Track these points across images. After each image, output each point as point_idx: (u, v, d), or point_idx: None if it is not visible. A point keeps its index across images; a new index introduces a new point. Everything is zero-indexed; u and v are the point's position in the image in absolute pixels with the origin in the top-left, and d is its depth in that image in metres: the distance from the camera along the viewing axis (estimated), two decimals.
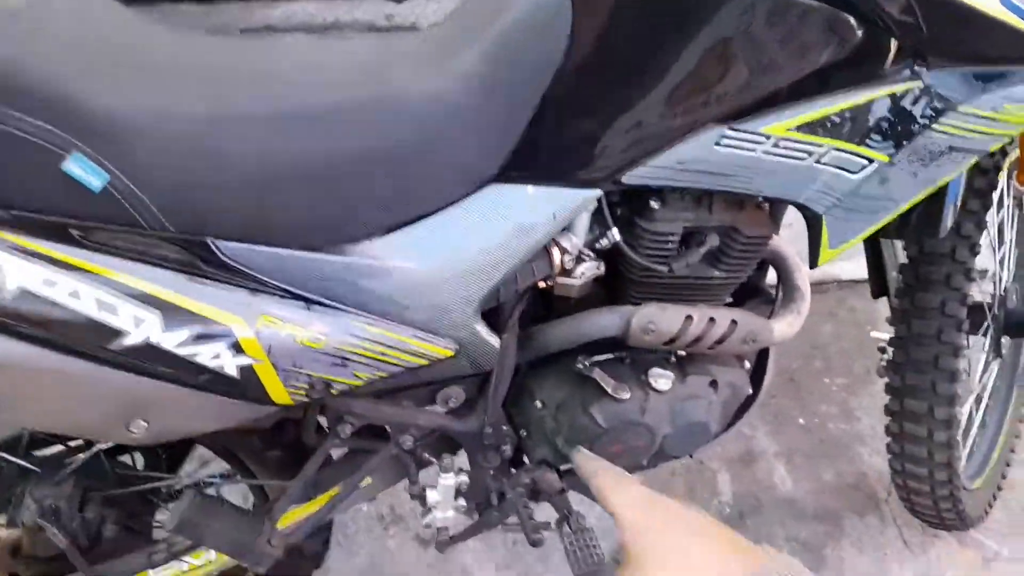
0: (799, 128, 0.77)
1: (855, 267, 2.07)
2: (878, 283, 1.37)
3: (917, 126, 0.78)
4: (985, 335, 1.46)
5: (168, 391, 0.74)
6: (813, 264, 0.92)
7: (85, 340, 0.68)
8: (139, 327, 0.69)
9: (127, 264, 0.69)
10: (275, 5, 2.98)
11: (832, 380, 1.99)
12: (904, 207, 0.86)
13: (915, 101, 0.76)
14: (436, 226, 0.77)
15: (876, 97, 0.76)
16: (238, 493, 1.36)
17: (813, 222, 0.87)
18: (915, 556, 1.59)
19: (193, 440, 1.10)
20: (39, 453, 1.03)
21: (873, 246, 1.32)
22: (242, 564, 0.92)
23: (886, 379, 1.37)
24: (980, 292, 1.40)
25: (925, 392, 1.29)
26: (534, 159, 0.77)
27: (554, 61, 0.72)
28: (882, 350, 1.37)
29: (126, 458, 1.13)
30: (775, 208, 0.94)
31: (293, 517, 1.02)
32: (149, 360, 0.71)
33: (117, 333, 0.68)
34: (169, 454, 1.19)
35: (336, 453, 1.05)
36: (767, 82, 0.75)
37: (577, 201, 0.81)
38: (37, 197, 0.65)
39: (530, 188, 0.79)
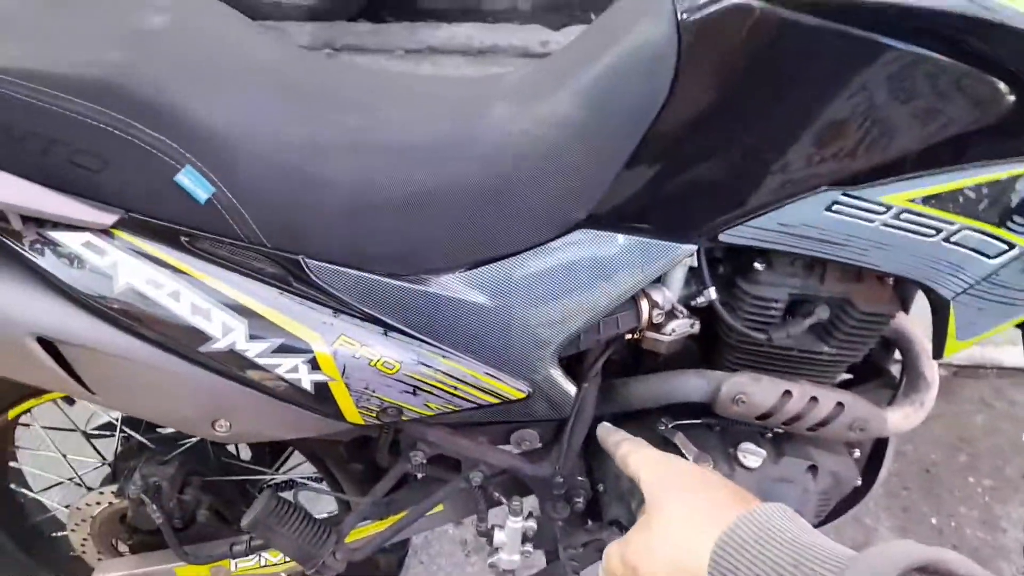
0: (926, 200, 0.69)
1: (1021, 353, 1.83)
2: None
3: None
4: None
5: (250, 396, 0.78)
6: (937, 355, 0.82)
7: (179, 341, 0.74)
8: (227, 334, 0.73)
9: (224, 273, 0.74)
10: (439, 26, 3.16)
11: (978, 480, 1.76)
12: None
13: None
14: (518, 266, 0.76)
15: (1021, 174, 0.67)
16: (327, 500, 1.40)
17: (939, 307, 0.78)
18: None
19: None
20: (157, 432, 1.12)
21: None
22: (305, 572, 0.95)
23: None
24: None
25: None
26: (626, 207, 0.75)
27: (653, 107, 0.69)
28: None
29: (234, 448, 1.21)
30: (902, 284, 0.85)
31: (362, 533, 1.04)
32: (234, 366, 0.75)
33: (207, 337, 0.73)
34: (272, 449, 1.26)
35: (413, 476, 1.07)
36: (893, 146, 0.68)
37: (670, 254, 0.77)
38: (151, 203, 0.71)
39: (620, 237, 0.76)
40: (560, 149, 0.72)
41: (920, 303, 0.86)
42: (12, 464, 1.17)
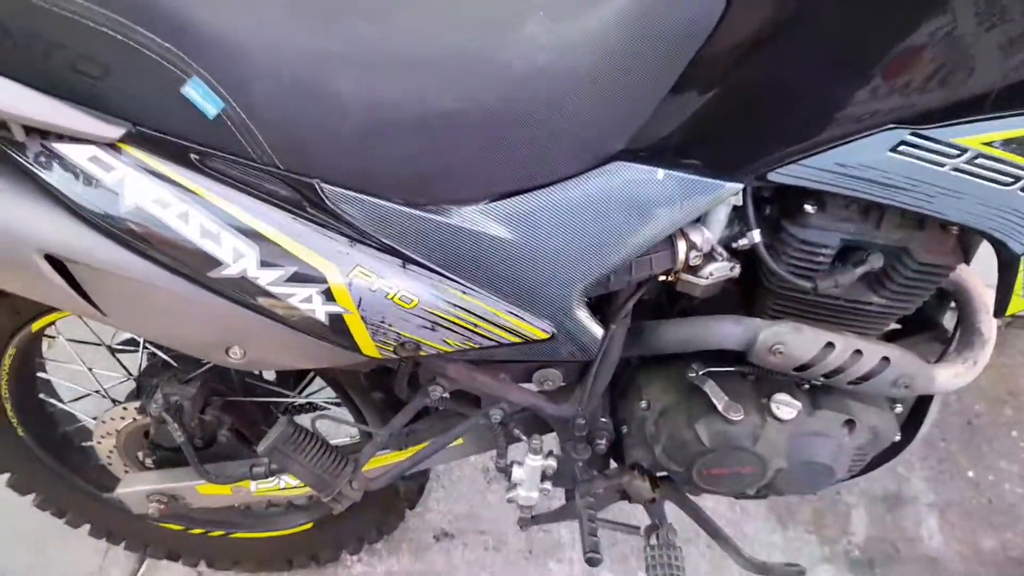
0: (1006, 144, 0.62)
1: None
2: None
3: None
4: None
5: (263, 324, 0.75)
6: (999, 312, 0.75)
7: (188, 264, 0.71)
8: (238, 260, 0.70)
9: (236, 195, 0.70)
10: None
11: (1021, 435, 1.70)
12: None
13: None
14: (546, 200, 0.71)
15: None
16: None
17: (1007, 261, 0.71)
18: None
19: None
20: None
21: None
22: (321, 499, 0.94)
23: None
24: None
25: None
26: (667, 139, 0.68)
27: (704, 27, 0.62)
28: None
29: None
30: (966, 234, 0.77)
31: (380, 463, 1.04)
32: (246, 293, 0.72)
33: (217, 262, 0.70)
34: (296, 372, 1.25)
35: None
36: (973, 81, 0.60)
37: (713, 193, 0.71)
38: (158, 117, 0.66)
39: (660, 172, 0.70)
40: (597, 73, 0.65)
41: (982, 253, 0.79)
42: (41, 375, 1.18)
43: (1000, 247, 0.70)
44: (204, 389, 1.08)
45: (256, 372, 1.21)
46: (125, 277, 0.72)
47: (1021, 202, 0.65)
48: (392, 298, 0.73)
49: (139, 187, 0.68)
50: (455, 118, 0.67)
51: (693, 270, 0.79)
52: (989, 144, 0.62)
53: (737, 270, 0.80)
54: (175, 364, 1.10)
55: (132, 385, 1.14)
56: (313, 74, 0.65)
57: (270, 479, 1.10)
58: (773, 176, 0.69)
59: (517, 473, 1.00)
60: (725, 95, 0.65)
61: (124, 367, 1.16)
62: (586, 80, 0.66)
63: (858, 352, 0.81)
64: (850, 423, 0.88)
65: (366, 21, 0.66)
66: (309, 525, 1.37)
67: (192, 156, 0.68)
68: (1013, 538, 1.52)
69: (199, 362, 1.10)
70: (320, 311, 0.73)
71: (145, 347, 1.11)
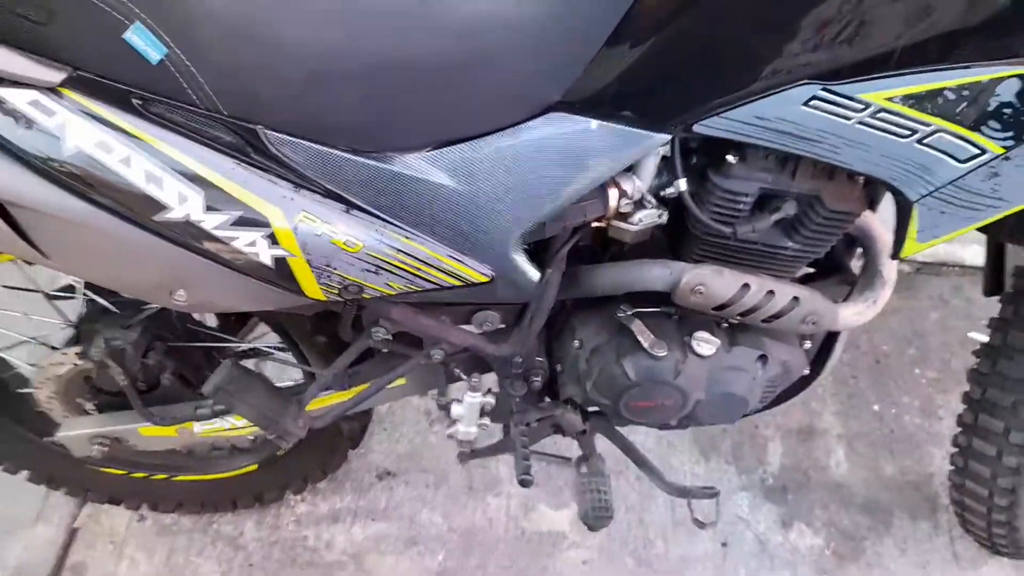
0: (905, 100, 0.68)
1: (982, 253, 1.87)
2: (993, 279, 1.23)
3: None
4: None
5: (207, 267, 0.77)
6: (896, 254, 0.83)
7: (132, 208, 0.71)
8: (182, 204, 0.71)
9: (179, 140, 0.70)
10: None
11: (923, 372, 1.85)
12: (1014, 209, 0.75)
13: None
14: (485, 148, 0.73)
15: (1003, 76, 0.65)
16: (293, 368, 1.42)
17: (903, 208, 0.78)
18: (962, 571, 1.50)
19: None
20: (121, 296, 1.11)
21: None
22: (267, 437, 0.98)
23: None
24: None
25: (1005, 411, 1.17)
26: (601, 91, 0.72)
27: None
28: (977, 354, 1.25)
29: (200, 314, 1.21)
30: (871, 183, 0.84)
31: (324, 402, 1.07)
32: (190, 236, 0.74)
33: (162, 206, 0.71)
34: (239, 317, 1.26)
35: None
36: (878, 41, 0.66)
37: (643, 143, 0.75)
38: (101, 61, 0.66)
39: (594, 122, 0.74)
40: (536, 25, 0.68)
41: (889, 203, 0.87)
42: None
43: (898, 195, 0.77)
44: (146, 334, 1.09)
45: (198, 317, 1.22)
46: (69, 221, 0.72)
47: (917, 153, 0.72)
48: (337, 243, 0.76)
49: (81, 131, 0.68)
50: (396, 67, 0.69)
51: (624, 217, 0.84)
52: (890, 100, 0.68)
53: (665, 217, 0.85)
54: (115, 310, 1.10)
55: (71, 332, 1.13)
56: (257, 20, 0.66)
57: (214, 420, 1.12)
58: (698, 128, 0.73)
59: (457, 410, 1.05)
60: (654, 50, 0.69)
61: (62, 313, 1.15)
62: (523, 32, 0.68)
63: (771, 292, 0.88)
64: (763, 358, 0.96)
65: None
66: (253, 467, 1.40)
67: (134, 101, 0.69)
68: (911, 465, 1.67)
69: (140, 307, 1.10)
70: (265, 255, 0.75)
71: (84, 293, 1.11)
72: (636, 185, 0.81)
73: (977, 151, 0.70)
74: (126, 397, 1.08)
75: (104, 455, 1.15)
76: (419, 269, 0.79)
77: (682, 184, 0.80)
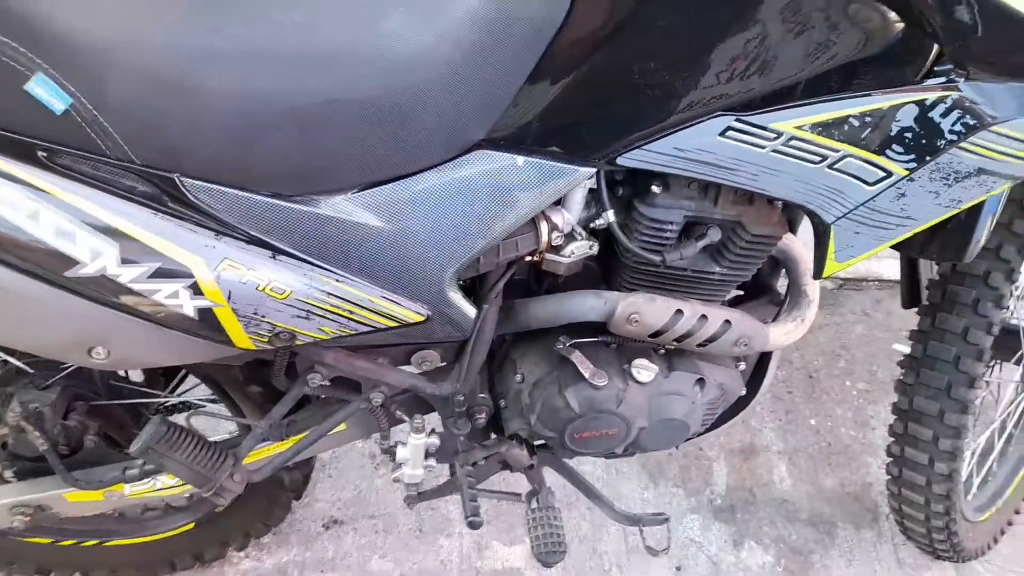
0: (814, 127, 0.71)
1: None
2: (910, 293, 1.28)
3: (944, 141, 0.70)
4: (1019, 363, 1.36)
5: (127, 322, 0.74)
6: (817, 275, 0.86)
7: (42, 265, 0.68)
8: (95, 259, 0.68)
9: (90, 192, 0.68)
10: None
11: (853, 384, 1.91)
12: (922, 227, 0.79)
13: (945, 113, 0.69)
14: (413, 187, 0.73)
15: (902, 103, 0.69)
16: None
17: (820, 231, 0.81)
18: None
19: None
20: (35, 356, 1.05)
21: None
22: (203, 495, 0.93)
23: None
24: (1017, 317, 1.30)
25: (932, 419, 1.21)
26: (525, 128, 0.73)
27: (552, 25, 0.67)
28: (902, 365, 1.30)
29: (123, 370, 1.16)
30: (790, 208, 0.87)
31: (262, 455, 1.04)
32: (107, 291, 0.71)
33: (74, 262, 0.68)
34: (166, 370, 1.21)
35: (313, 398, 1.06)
36: (785, 74, 0.69)
37: (569, 176, 0.76)
38: (3, 115, 0.64)
39: (520, 158, 0.74)
40: (458, 66, 0.69)
41: (808, 225, 0.90)
42: None
43: (814, 218, 0.80)
44: (66, 394, 1.04)
45: (122, 373, 1.17)
46: None
47: (828, 178, 0.75)
48: (264, 289, 0.74)
49: None
50: (322, 111, 0.68)
51: (556, 250, 0.85)
52: (800, 128, 0.71)
53: (596, 248, 0.86)
54: (30, 370, 1.05)
55: None
56: (175, 69, 0.64)
57: (145, 480, 1.07)
58: (621, 160, 0.75)
59: (401, 453, 1.03)
60: (575, 86, 0.70)
61: None
62: (446, 72, 0.69)
63: (704, 317, 0.90)
64: (701, 382, 0.97)
65: (232, 15, 0.66)
66: (191, 525, 1.34)
67: (40, 153, 0.66)
68: (849, 476, 1.71)
69: (58, 366, 1.05)
70: (188, 306, 0.73)
71: None
72: (566, 218, 0.82)
73: (884, 174, 0.73)
74: (47, 462, 1.02)
75: (27, 525, 1.08)
76: (352, 312, 0.78)
77: (610, 215, 0.81)
